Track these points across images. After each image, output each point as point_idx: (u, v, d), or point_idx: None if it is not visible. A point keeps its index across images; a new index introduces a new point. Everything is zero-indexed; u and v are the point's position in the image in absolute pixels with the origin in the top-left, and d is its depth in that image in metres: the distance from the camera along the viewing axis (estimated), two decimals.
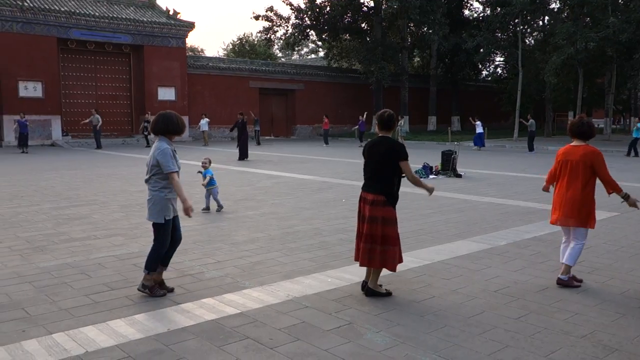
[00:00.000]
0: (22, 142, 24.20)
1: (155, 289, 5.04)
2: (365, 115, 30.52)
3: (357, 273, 5.75)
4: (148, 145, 28.39)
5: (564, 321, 4.46)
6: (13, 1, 27.80)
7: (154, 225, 5.08)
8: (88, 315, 4.56)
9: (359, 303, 4.87)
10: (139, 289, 5.07)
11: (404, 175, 5.06)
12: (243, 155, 20.33)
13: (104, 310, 4.66)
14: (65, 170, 16.59)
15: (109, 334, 4.14)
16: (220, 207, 9.54)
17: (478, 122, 26.88)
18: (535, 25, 39.59)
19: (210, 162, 9.83)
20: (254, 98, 37.49)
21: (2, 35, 27.88)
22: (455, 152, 15.41)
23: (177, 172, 4.96)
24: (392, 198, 5.03)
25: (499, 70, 48.35)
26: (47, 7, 28.98)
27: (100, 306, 4.77)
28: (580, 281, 5.42)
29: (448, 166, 15.21)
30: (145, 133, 28.60)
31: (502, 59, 45.46)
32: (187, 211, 4.93)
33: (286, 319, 4.49)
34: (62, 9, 29.46)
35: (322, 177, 14.78)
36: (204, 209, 9.42)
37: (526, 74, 35.75)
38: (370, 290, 5.05)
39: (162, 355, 3.81)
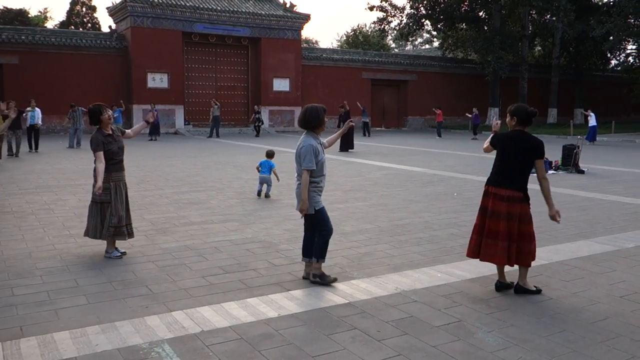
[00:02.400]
0: (153, 130, 25.87)
1: (325, 276, 5.14)
2: (474, 111, 29.39)
3: (469, 269, 5.58)
4: (257, 135, 29.03)
5: None
6: None
7: (307, 216, 5.19)
8: (204, 296, 4.79)
9: (469, 300, 4.72)
10: (311, 280, 5.14)
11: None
12: (347, 147, 19.85)
13: (219, 292, 4.87)
14: (186, 157, 17.56)
15: (223, 315, 4.32)
16: (259, 193, 9.97)
17: (592, 115, 25.07)
18: None
19: (267, 153, 10.20)
20: (366, 89, 37.51)
21: (134, 29, 29.95)
22: (578, 146, 14.49)
23: (313, 169, 5.00)
24: (527, 195, 4.87)
25: (630, 59, 44.68)
26: (174, 3, 30.70)
27: (216, 288, 4.99)
28: None
29: (569, 161, 14.34)
30: (258, 124, 29.32)
31: (634, 47, 41.97)
32: (301, 212, 5.08)
33: (394, 312, 4.45)
34: (188, 4, 31.08)
35: (433, 169, 14.49)
36: (263, 194, 9.93)
37: None
38: (519, 287, 4.93)
39: (272, 339, 3.91)
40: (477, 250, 5.02)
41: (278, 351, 3.73)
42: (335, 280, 5.14)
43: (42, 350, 3.69)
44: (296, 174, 5.21)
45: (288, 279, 5.25)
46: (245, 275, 5.36)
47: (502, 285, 5.00)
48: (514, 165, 4.85)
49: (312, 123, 5.11)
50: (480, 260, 5.02)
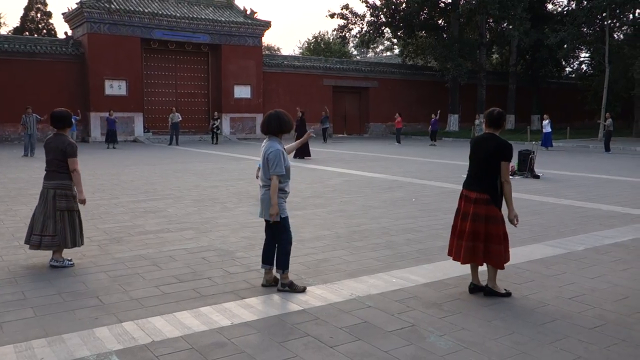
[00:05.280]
0: (110, 138, 25.36)
1: (294, 284, 5.10)
2: (438, 114, 29.85)
3: (423, 274, 5.63)
4: (215, 142, 28.78)
5: None
6: (102, 4, 29.21)
7: (269, 223, 5.14)
8: (157, 305, 4.70)
9: (423, 305, 4.76)
10: (279, 289, 5.10)
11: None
12: (303, 154, 19.30)
13: (172, 302, 4.79)
14: (144, 165, 17.28)
15: (175, 325, 4.25)
16: None
17: (546, 121, 25.68)
18: (625, 19, 37.38)
19: None
20: (327, 96, 37.64)
21: (91, 36, 29.37)
22: (534, 152, 14.83)
23: (282, 174, 4.98)
24: (496, 197, 4.95)
25: (583, 66, 46.07)
26: (132, 9, 30.25)
27: (169, 298, 4.91)
28: None
29: (525, 166, 14.67)
30: (216, 131, 29.03)
31: (587, 55, 43.32)
32: (272, 217, 4.98)
33: (348, 318, 4.45)
34: (146, 10, 30.67)
35: (392, 175, 14.62)
36: None
37: (614, 70, 33.93)
38: (488, 290, 5.00)
39: (224, 348, 3.87)
40: (455, 251, 5.13)
41: None
42: (304, 289, 5.09)
43: None
44: (260, 182, 5.18)
45: (243, 287, 5.20)
46: (200, 284, 5.29)
47: (475, 288, 5.08)
48: (481, 166, 4.98)
49: (283, 127, 5.08)
50: (454, 260, 5.13)
